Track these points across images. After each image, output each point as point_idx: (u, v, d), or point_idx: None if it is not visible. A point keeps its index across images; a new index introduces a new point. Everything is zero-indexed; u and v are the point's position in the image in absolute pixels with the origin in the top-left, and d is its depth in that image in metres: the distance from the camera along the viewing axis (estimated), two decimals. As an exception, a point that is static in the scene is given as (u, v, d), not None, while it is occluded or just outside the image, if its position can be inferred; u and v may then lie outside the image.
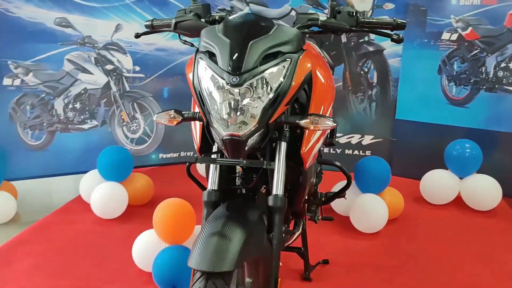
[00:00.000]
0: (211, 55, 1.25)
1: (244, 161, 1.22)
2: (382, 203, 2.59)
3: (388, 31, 1.40)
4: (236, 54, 1.19)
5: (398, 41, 1.38)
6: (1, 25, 3.01)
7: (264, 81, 1.20)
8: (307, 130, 1.36)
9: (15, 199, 3.05)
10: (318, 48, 1.73)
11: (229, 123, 1.19)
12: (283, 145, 1.34)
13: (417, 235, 2.65)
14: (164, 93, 3.53)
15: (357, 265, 2.30)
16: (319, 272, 2.22)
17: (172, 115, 1.34)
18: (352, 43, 3.43)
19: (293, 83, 1.23)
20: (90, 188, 2.84)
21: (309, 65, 1.30)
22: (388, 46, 3.39)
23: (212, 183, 1.38)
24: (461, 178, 3.02)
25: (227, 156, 1.24)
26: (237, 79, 1.17)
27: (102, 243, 2.50)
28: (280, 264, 1.47)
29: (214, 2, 3.48)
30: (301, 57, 1.27)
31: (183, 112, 1.36)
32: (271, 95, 1.20)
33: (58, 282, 2.12)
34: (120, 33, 3.32)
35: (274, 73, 1.21)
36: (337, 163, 1.78)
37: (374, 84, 3.48)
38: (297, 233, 1.88)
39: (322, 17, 1.42)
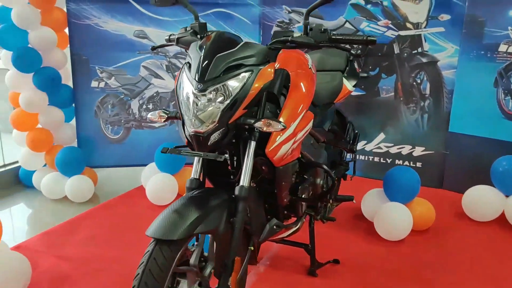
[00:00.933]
0: (190, 66, 1.52)
1: (202, 153, 1.47)
2: (406, 212, 2.63)
3: (348, 46, 1.55)
4: (203, 65, 1.45)
5: (356, 55, 1.53)
6: (92, 36, 3.59)
7: (225, 88, 1.44)
8: (273, 132, 1.57)
9: (95, 183, 3.61)
10: (310, 61, 1.90)
11: (194, 122, 1.45)
12: (252, 144, 1.56)
13: (444, 248, 2.63)
14: (226, 98, 3.87)
15: (367, 268, 2.39)
16: (328, 270, 2.36)
17: (161, 114, 1.65)
18: (405, 54, 3.45)
19: (250, 91, 1.46)
20: (149, 178, 3.28)
21: (270, 73, 1.51)
22: (442, 57, 3.35)
23: (194, 172, 1.65)
24: (507, 196, 2.90)
25: (195, 149, 1.50)
26: (201, 86, 1.43)
27: (149, 224, 2.89)
28: (252, 248, 1.69)
29: (274, 15, 3.74)
30: (261, 69, 1.49)
31: (168, 112, 1.65)
32: (229, 100, 1.44)
33: (104, 251, 2.55)
34: (188, 43, 3.74)
35: (234, 82, 1.44)
36: (325, 167, 1.94)
37: (426, 95, 3.46)
38: (294, 229, 2.05)
39: (296, 34, 1.62)
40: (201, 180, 1.65)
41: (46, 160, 3.66)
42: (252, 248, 1.68)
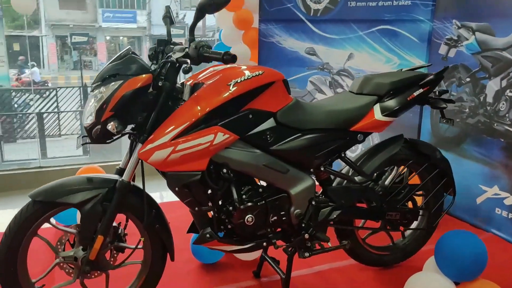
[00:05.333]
0: None
1: (82, 144, 1.80)
2: (447, 292, 1.94)
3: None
4: (98, 73, 1.78)
5: (185, 71, 1.49)
6: (274, 52, 4.08)
7: (100, 92, 1.72)
8: (151, 137, 1.73)
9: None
10: (240, 79, 1.81)
11: (84, 117, 1.80)
12: (139, 145, 1.77)
13: None
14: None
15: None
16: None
17: None
18: None
19: (114, 96, 1.68)
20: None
21: (137, 83, 1.68)
22: None
23: (122, 163, 1.95)
24: None
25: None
26: (90, 89, 1.77)
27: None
28: (142, 239, 1.85)
29: (444, 31, 3.19)
30: (130, 79, 1.67)
31: None
32: (100, 102, 1.71)
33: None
34: (351, 61, 3.68)
35: (106, 87, 1.71)
36: (233, 191, 1.84)
37: None
38: (236, 247, 1.98)
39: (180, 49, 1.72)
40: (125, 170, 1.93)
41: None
42: (142, 238, 1.85)
